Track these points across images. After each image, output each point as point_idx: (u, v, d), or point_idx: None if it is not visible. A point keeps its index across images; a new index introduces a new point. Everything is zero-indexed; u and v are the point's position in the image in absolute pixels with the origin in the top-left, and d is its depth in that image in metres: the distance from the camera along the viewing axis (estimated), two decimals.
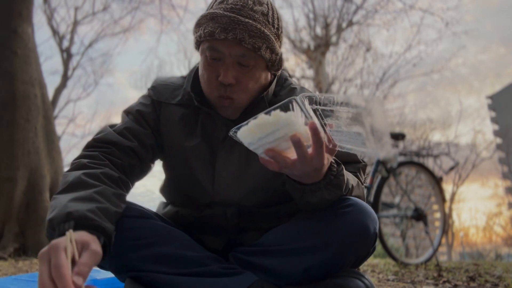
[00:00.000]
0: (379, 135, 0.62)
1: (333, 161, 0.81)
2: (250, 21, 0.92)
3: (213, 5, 0.98)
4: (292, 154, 0.73)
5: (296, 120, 0.68)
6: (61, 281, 0.62)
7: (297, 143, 0.69)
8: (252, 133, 0.71)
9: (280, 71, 1.06)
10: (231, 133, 0.76)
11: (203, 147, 1.02)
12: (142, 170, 1.02)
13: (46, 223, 0.77)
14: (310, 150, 0.72)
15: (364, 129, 0.62)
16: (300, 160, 0.71)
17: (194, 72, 1.08)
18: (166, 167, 1.10)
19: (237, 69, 0.95)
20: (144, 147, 1.00)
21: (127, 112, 1.06)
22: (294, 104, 0.70)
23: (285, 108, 0.70)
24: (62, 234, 0.71)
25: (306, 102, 0.70)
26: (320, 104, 0.70)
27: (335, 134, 0.70)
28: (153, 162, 1.07)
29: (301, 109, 0.70)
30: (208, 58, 0.96)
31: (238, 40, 0.91)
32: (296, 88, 1.08)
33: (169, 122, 1.05)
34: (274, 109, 0.70)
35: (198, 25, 0.97)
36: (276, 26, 0.99)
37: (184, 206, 1.07)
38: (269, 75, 1.03)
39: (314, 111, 0.71)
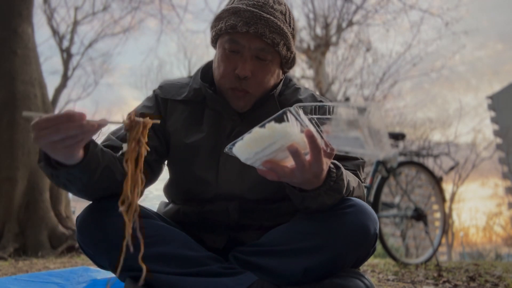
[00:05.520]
0: (378, 138, 0.63)
1: (332, 166, 0.81)
2: (271, 18, 0.97)
3: (234, 0, 1.02)
4: (290, 163, 0.73)
5: (291, 130, 0.67)
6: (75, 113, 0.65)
7: (295, 153, 0.69)
8: (248, 148, 0.70)
9: (289, 71, 1.10)
10: (226, 149, 0.76)
11: (209, 141, 1.03)
12: (152, 171, 1.04)
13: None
14: (308, 157, 0.72)
15: (362, 133, 0.63)
16: (299, 169, 0.71)
17: (203, 68, 1.11)
18: (171, 163, 1.11)
19: (254, 62, 0.98)
20: (147, 151, 1.01)
21: None
22: (289, 114, 0.70)
23: (279, 120, 0.70)
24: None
25: (301, 112, 0.70)
26: (315, 114, 0.70)
27: (333, 140, 0.70)
28: (161, 163, 1.08)
29: (296, 119, 0.70)
30: (227, 51, 0.99)
31: (259, 34, 0.95)
32: (300, 88, 1.12)
33: (175, 118, 1.07)
34: (269, 121, 0.70)
35: (219, 19, 1.01)
36: (292, 26, 1.04)
37: (186, 201, 1.07)
38: (281, 73, 1.07)
39: (310, 120, 0.71)
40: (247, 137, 0.70)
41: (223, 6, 1.07)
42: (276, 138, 0.67)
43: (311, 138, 0.68)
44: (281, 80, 1.09)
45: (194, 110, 1.07)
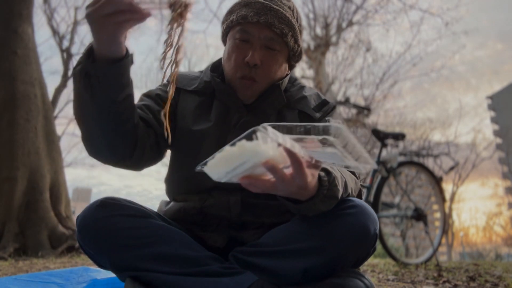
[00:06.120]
0: (357, 153, 0.64)
1: (323, 173, 0.78)
2: (280, 9, 1.03)
3: None
4: (271, 176, 0.70)
5: (263, 148, 0.64)
6: None
7: (271, 169, 0.66)
8: (219, 167, 0.67)
9: (295, 67, 1.15)
10: (197, 168, 0.73)
11: (215, 131, 1.06)
12: (158, 148, 1.04)
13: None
14: (289, 170, 0.69)
15: (337, 150, 0.63)
16: (280, 183, 0.69)
17: (213, 62, 1.16)
18: (175, 149, 1.11)
19: (264, 52, 1.04)
20: (159, 123, 1.04)
21: (147, 95, 1.11)
22: (258, 133, 0.66)
23: (250, 138, 0.67)
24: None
25: (270, 128, 0.66)
26: (285, 133, 0.67)
27: (313, 154, 0.68)
28: (167, 144, 1.07)
29: (268, 135, 0.66)
30: (237, 40, 1.04)
31: (269, 24, 1.01)
32: (305, 86, 1.16)
33: (185, 107, 1.11)
34: (239, 139, 0.67)
35: (231, 12, 1.07)
36: (299, 22, 1.11)
37: (187, 194, 1.06)
38: (287, 67, 1.12)
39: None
40: (218, 156, 0.67)
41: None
42: (247, 157, 0.64)
43: (288, 152, 0.66)
44: (287, 75, 1.13)
45: (203, 101, 1.11)
